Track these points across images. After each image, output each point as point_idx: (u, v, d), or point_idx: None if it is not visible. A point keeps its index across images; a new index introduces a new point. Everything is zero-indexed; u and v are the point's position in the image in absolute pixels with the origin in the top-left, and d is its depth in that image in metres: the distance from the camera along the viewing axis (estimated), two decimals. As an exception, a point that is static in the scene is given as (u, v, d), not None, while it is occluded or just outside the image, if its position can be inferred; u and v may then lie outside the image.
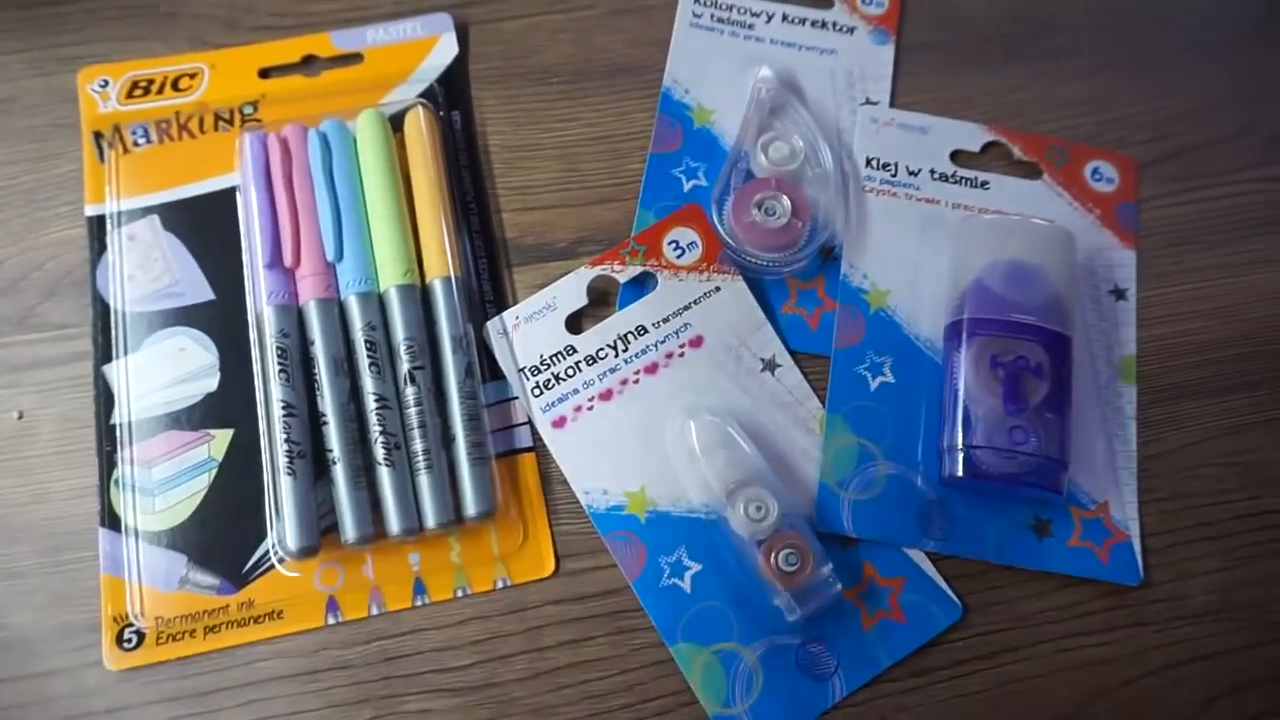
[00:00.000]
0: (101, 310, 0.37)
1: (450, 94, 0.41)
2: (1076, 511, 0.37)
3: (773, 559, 0.34)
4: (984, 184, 0.41)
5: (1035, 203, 0.41)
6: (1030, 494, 0.36)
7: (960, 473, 0.35)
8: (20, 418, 0.36)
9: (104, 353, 0.36)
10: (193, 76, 0.40)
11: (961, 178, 0.41)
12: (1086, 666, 0.35)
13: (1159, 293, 0.41)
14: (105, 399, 0.36)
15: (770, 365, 0.38)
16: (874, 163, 0.41)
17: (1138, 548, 0.37)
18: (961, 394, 0.36)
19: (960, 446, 0.35)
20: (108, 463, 0.35)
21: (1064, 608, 0.36)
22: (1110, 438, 0.38)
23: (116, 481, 0.35)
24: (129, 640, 0.33)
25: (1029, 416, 0.35)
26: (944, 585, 0.36)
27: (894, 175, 0.41)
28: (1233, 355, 0.40)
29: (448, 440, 0.35)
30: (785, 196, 0.38)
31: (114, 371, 0.36)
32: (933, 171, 0.41)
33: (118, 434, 0.35)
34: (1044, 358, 0.36)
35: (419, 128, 0.39)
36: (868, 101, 0.42)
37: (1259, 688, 0.35)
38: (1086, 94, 0.44)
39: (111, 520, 0.34)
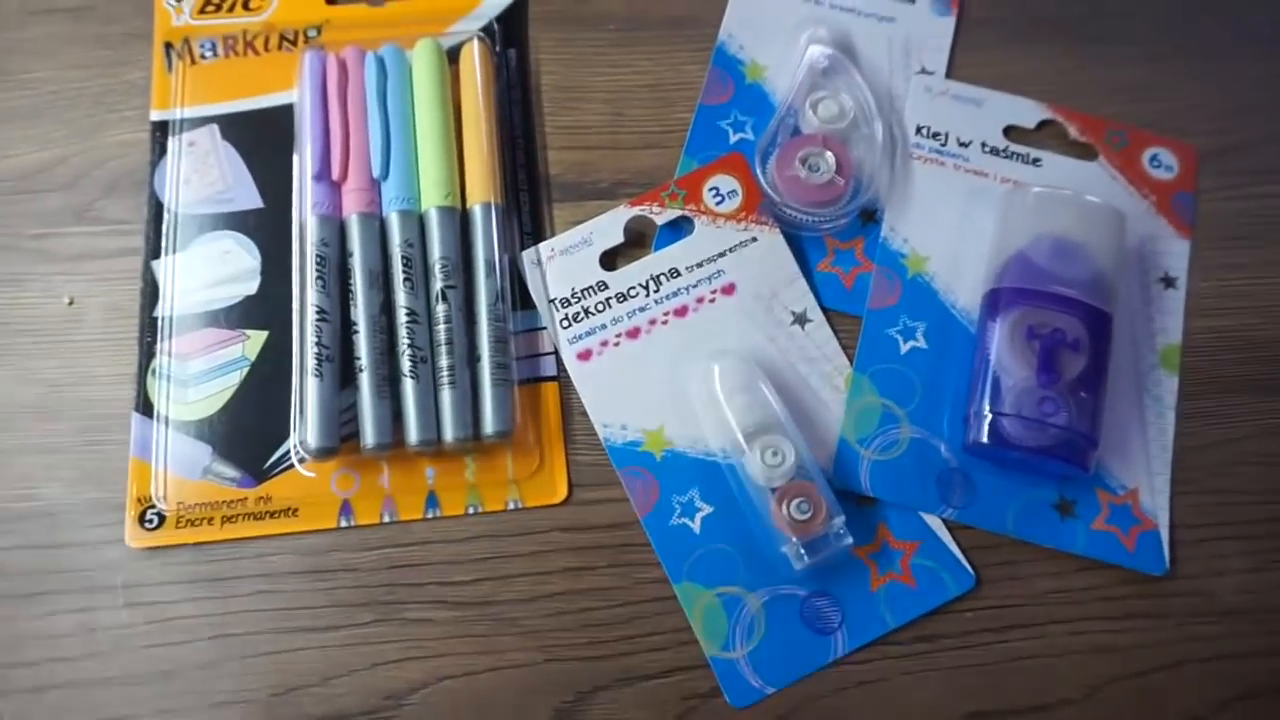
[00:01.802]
0: (156, 209, 0.38)
1: (508, 32, 0.41)
2: (1104, 495, 0.36)
3: (785, 506, 0.33)
4: (1036, 161, 0.40)
5: (1089, 184, 0.40)
6: (1056, 469, 0.35)
7: (985, 439, 0.34)
8: (71, 304, 0.37)
9: (154, 249, 0.37)
10: (264, -2, 0.41)
11: (1013, 153, 0.40)
12: (1100, 652, 0.35)
13: (1210, 285, 0.39)
14: (150, 292, 0.37)
15: (801, 319, 0.37)
16: (924, 131, 0.41)
17: (1165, 538, 0.36)
18: (993, 362, 0.35)
19: (987, 413, 0.35)
20: (147, 353, 0.36)
21: (1082, 590, 0.35)
22: (1146, 425, 0.37)
23: (154, 371, 0.36)
24: (150, 521, 0.34)
25: (1061, 390, 0.34)
26: (958, 554, 0.35)
27: (944, 145, 0.41)
28: (1282, 355, 0.39)
29: (473, 360, 0.35)
30: (830, 154, 0.38)
31: (161, 267, 0.37)
32: (984, 145, 0.41)
33: (159, 326, 0.36)
34: (1082, 333, 0.35)
35: (473, 60, 0.39)
36: (923, 70, 0.42)
37: (1281, 694, 0.34)
38: (1149, 80, 0.43)
39: (145, 407, 0.35)
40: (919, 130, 0.41)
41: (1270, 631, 0.35)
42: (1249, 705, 0.34)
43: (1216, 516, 0.36)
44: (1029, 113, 0.41)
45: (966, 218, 0.39)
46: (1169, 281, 0.39)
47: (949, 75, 0.42)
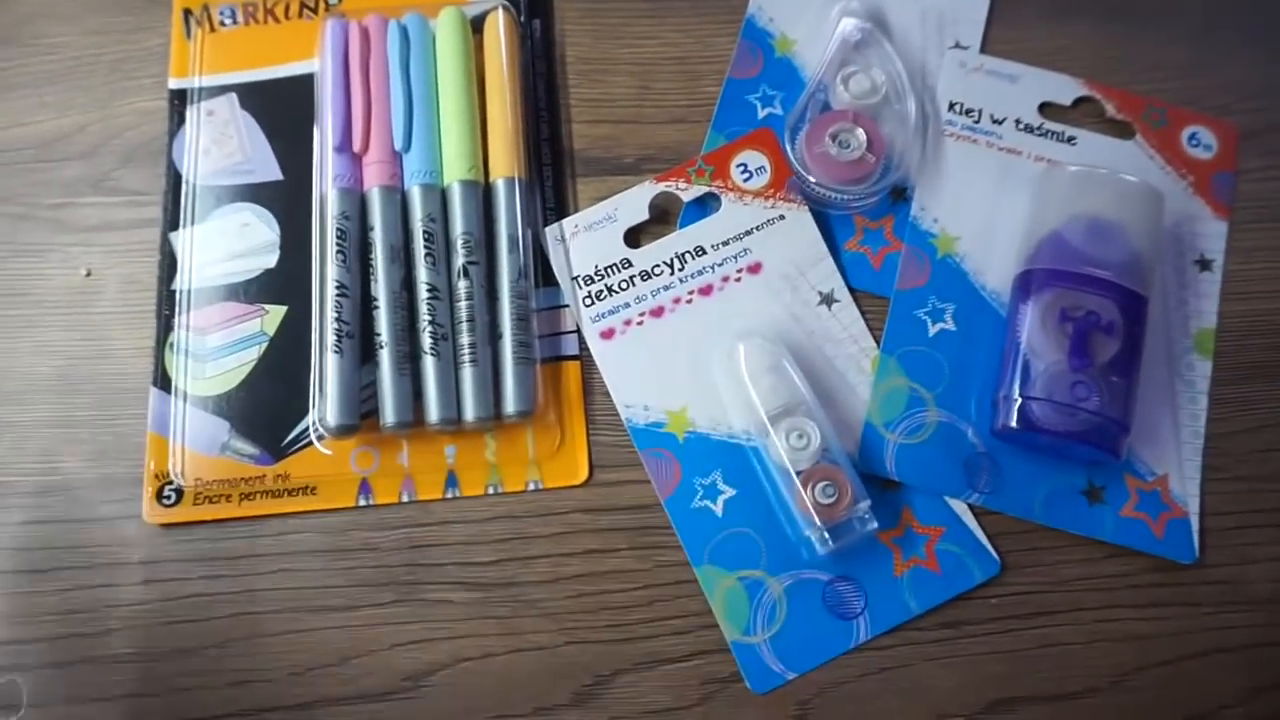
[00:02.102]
0: (174, 180, 0.37)
1: (533, 2, 0.40)
2: (1133, 481, 0.35)
3: (810, 489, 0.33)
4: (1071, 139, 0.39)
5: (1125, 163, 0.39)
6: (1086, 455, 0.35)
7: (1014, 423, 0.34)
8: (88, 275, 0.37)
9: (172, 220, 0.37)
10: (283, -35, 0.40)
11: (1048, 130, 0.39)
12: (1127, 640, 0.34)
13: (1247, 268, 0.38)
14: (169, 265, 0.36)
15: (828, 299, 0.37)
16: (957, 107, 0.40)
17: (1195, 526, 0.35)
18: (1024, 346, 0.34)
19: (1017, 397, 0.34)
20: (165, 326, 0.36)
21: (1109, 577, 0.35)
22: (1178, 410, 0.36)
23: (171, 345, 0.35)
24: (168, 497, 0.34)
25: (1093, 375, 0.34)
26: (984, 539, 0.35)
27: (977, 122, 0.40)
28: (1320, 341, 0.38)
29: (494, 337, 0.35)
30: (861, 130, 0.37)
31: (179, 239, 0.37)
32: (1018, 122, 0.40)
33: (177, 299, 0.36)
34: (1116, 316, 0.34)
35: (497, 30, 0.38)
36: (957, 45, 0.41)
37: (1311, 684, 0.34)
38: (1189, 57, 0.41)
39: (163, 381, 0.35)
40: (952, 106, 0.40)
41: (1301, 623, 0.34)
42: (1278, 695, 0.34)
43: (1248, 504, 0.36)
44: (1065, 89, 0.40)
45: (998, 197, 0.38)
46: (1205, 263, 0.38)
47: (983, 50, 0.41)
